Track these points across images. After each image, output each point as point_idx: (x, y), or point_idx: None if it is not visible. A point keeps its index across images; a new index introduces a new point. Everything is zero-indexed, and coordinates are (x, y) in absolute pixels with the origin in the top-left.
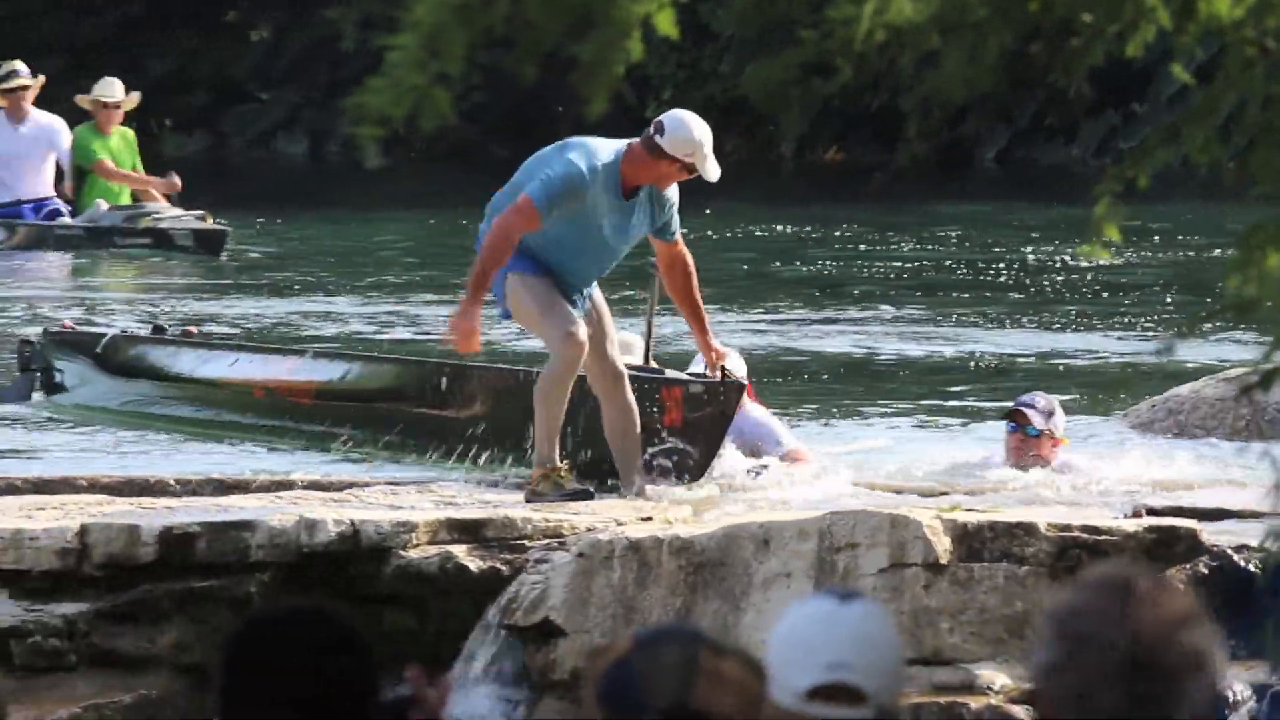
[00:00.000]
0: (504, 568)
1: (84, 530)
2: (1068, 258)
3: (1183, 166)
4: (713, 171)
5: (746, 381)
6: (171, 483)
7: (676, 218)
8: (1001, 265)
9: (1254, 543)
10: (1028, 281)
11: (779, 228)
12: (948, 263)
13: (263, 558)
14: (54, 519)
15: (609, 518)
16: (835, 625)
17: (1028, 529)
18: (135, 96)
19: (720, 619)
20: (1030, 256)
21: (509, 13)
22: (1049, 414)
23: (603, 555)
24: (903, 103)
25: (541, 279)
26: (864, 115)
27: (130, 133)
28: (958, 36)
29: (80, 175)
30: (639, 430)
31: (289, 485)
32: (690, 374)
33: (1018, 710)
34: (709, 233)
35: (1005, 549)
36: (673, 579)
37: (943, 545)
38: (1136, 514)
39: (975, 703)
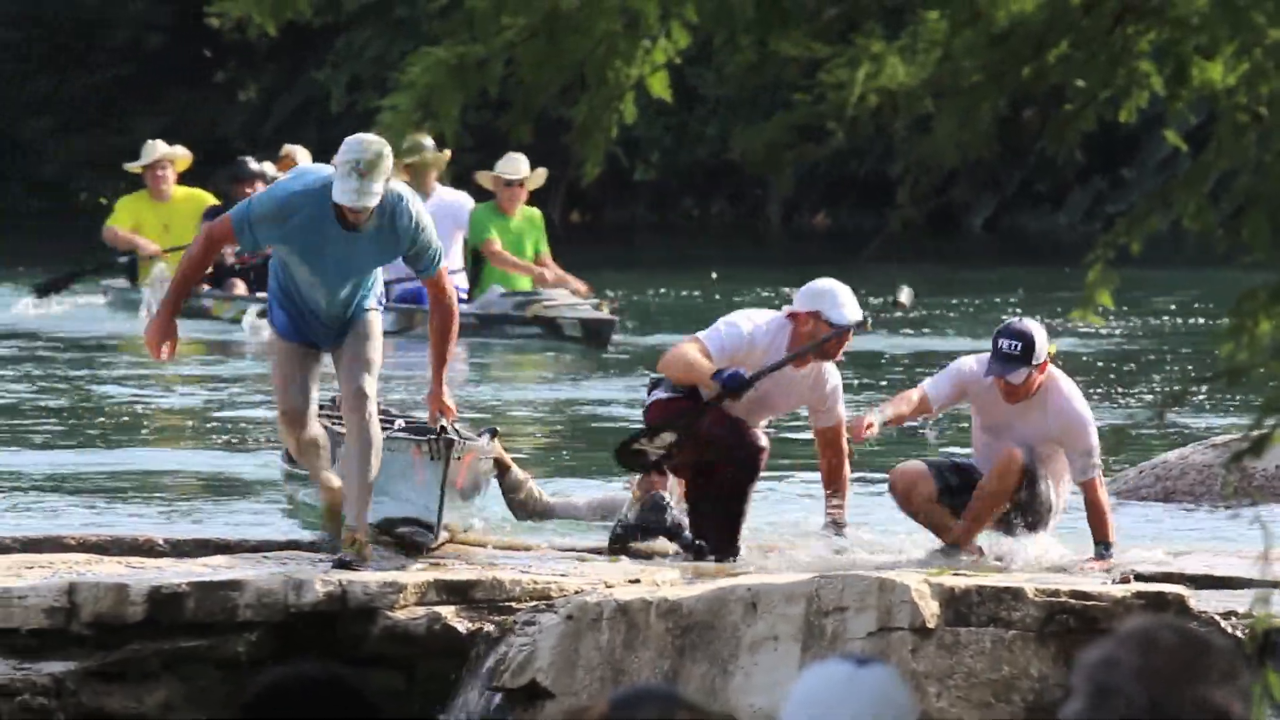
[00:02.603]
0: (492, 629)
1: (72, 589)
2: (1057, 323)
3: (1173, 232)
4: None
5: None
6: (160, 542)
7: (432, 249)
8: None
9: (1242, 609)
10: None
11: (764, 292)
12: (940, 326)
13: (250, 617)
14: (42, 577)
15: (597, 579)
16: (853, 689)
17: (1015, 594)
18: (541, 174)
19: (708, 681)
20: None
21: (503, 74)
22: (1030, 352)
23: (591, 617)
24: (892, 168)
25: (287, 344)
26: (851, 180)
27: (536, 214)
28: (951, 101)
29: (478, 257)
30: (371, 463)
31: (277, 546)
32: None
33: None
34: (700, 294)
35: (992, 613)
36: (661, 641)
37: (930, 609)
38: (1125, 580)
39: None
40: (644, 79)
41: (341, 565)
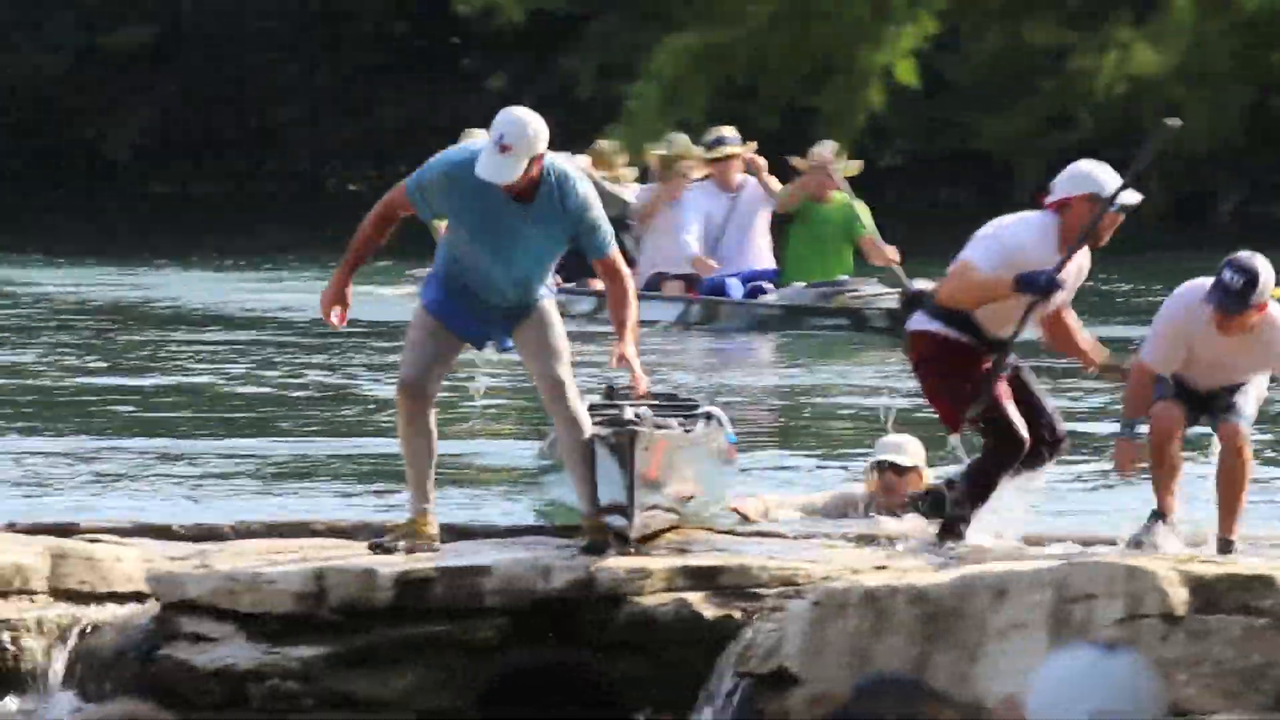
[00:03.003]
0: (739, 615)
1: (321, 574)
2: None
3: None
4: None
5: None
6: None
7: (601, 229)
8: None
9: None
10: None
11: None
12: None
13: (497, 603)
14: (291, 563)
15: (844, 566)
16: (1101, 675)
17: (1265, 581)
18: (856, 164)
19: (955, 668)
20: None
21: (750, 61)
22: (1251, 289)
23: (838, 603)
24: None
25: (429, 317)
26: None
27: (851, 199)
28: (1200, 88)
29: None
30: (586, 450)
31: (524, 531)
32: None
33: None
34: None
35: (1241, 601)
36: (908, 628)
37: (1179, 596)
38: None
39: None
40: (891, 66)
41: (588, 551)
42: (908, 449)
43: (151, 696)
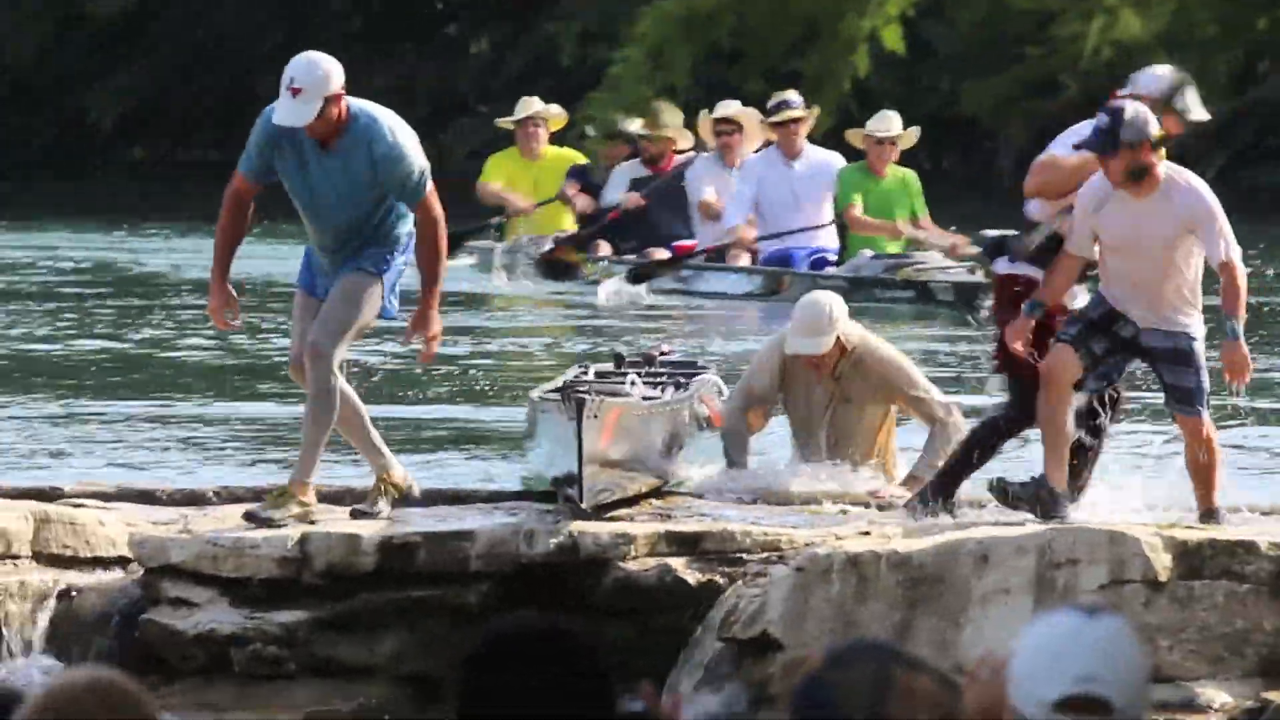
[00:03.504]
0: (722, 580)
1: (304, 539)
2: None
3: None
4: None
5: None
6: None
7: (412, 176)
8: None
9: None
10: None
11: None
12: None
13: (481, 568)
14: (274, 528)
15: (827, 531)
16: (1084, 638)
17: (1248, 547)
18: (914, 132)
19: (939, 634)
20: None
21: (735, 26)
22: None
23: (821, 569)
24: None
25: (299, 292)
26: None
27: (910, 174)
28: (1185, 54)
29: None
30: (319, 420)
31: (509, 496)
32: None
33: None
34: None
35: (1225, 567)
36: (891, 594)
37: (1162, 562)
38: None
39: None
40: (877, 31)
41: (250, 517)
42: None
43: (133, 661)
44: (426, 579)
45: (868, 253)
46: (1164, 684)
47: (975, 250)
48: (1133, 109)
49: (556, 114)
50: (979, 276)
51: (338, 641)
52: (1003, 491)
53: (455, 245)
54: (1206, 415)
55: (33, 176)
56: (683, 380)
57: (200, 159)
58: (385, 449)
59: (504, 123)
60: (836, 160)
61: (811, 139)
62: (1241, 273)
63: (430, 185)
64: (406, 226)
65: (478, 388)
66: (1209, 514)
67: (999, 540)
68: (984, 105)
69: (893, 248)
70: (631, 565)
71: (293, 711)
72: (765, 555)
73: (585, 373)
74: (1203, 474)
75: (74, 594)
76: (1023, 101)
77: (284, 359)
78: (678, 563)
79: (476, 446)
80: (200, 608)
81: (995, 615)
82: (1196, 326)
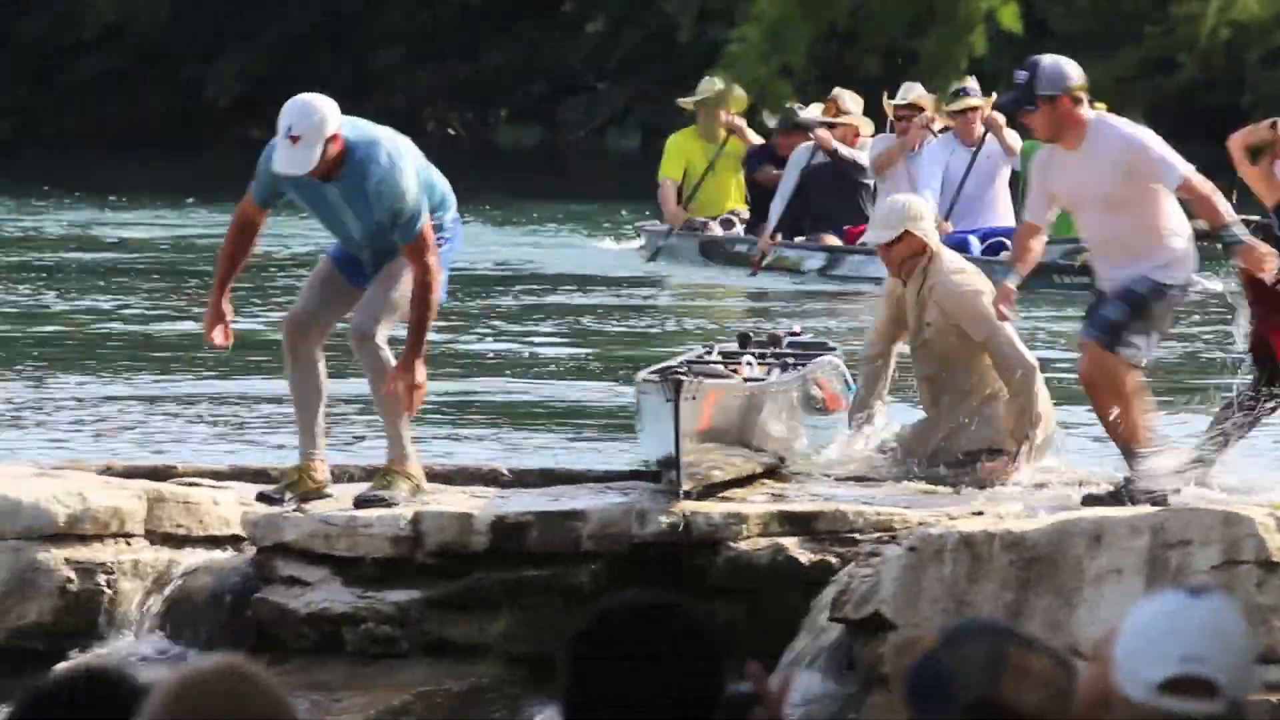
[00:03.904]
0: (835, 560)
1: (417, 518)
2: None
3: None
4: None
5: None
6: (504, 472)
7: (405, 214)
8: None
9: None
10: None
11: None
12: None
13: (593, 548)
14: (388, 509)
15: (940, 511)
16: (1189, 619)
17: None
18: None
19: (1051, 614)
20: None
21: (852, 6)
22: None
23: (934, 549)
24: (1244, 101)
25: (328, 262)
26: (1201, 113)
27: None
28: None
29: None
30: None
31: (621, 476)
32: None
33: None
34: None
35: None
36: (1004, 574)
37: (1276, 542)
38: None
39: None
40: (994, 11)
41: (363, 502)
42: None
43: (246, 640)
44: (538, 559)
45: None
46: (1276, 664)
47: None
48: (1050, 61)
49: (738, 95)
50: None
51: (449, 621)
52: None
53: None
54: (1110, 352)
55: (149, 152)
56: (802, 362)
57: None
58: (321, 442)
59: (685, 103)
60: (1016, 141)
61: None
62: (1201, 182)
63: (424, 227)
64: (450, 213)
65: (601, 367)
66: (1126, 454)
67: (1112, 520)
68: (1102, 85)
69: (1071, 231)
70: (744, 545)
71: (404, 691)
72: (878, 535)
73: (709, 352)
74: (1101, 418)
75: (187, 573)
76: (1141, 81)
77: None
78: (790, 542)
79: (591, 426)
80: (313, 587)
81: (1108, 595)
82: (1163, 271)
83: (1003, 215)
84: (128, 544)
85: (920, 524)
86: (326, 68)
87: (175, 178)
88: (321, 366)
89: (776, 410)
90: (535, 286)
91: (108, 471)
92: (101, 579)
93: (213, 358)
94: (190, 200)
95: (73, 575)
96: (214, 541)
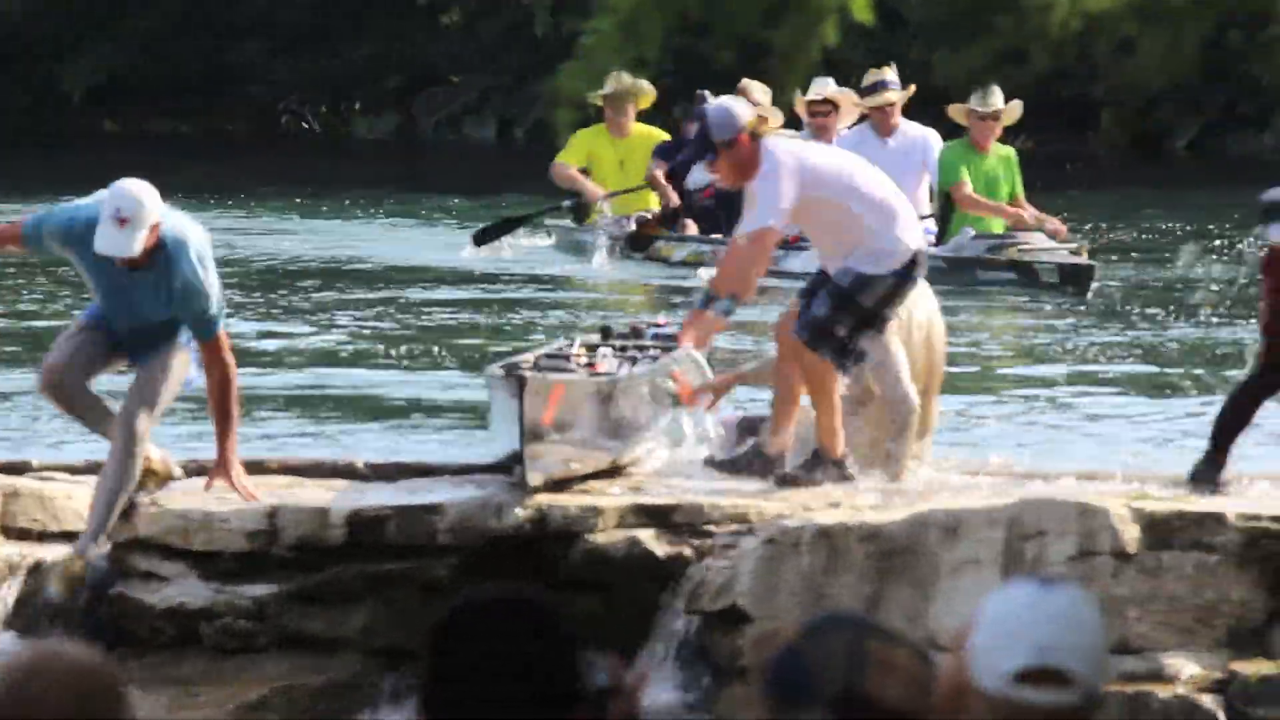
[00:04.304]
0: (691, 553)
1: (274, 512)
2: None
3: None
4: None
5: None
6: (360, 466)
7: (209, 311)
8: (1213, 255)
9: None
10: (1214, 270)
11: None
12: (1153, 251)
13: (451, 541)
14: (244, 501)
15: (797, 503)
16: (1043, 609)
17: (1217, 518)
18: (1017, 106)
19: (910, 606)
20: (1219, 241)
21: None
22: None
23: (791, 541)
24: (1096, 91)
25: (86, 319)
26: (1054, 105)
27: (1011, 153)
28: (1155, 24)
29: (948, 198)
30: (114, 487)
31: (478, 470)
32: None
33: (1206, 700)
34: None
35: (1194, 538)
36: (861, 566)
37: (1131, 534)
38: None
39: (1163, 692)
40: (846, 2)
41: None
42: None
43: (101, 636)
44: (396, 552)
45: (970, 231)
46: (1132, 655)
47: (1120, 232)
48: (715, 108)
49: (646, 90)
50: (1084, 259)
51: (308, 615)
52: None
53: (521, 225)
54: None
55: (4, 147)
56: (660, 355)
57: (172, 130)
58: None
59: (593, 98)
60: (933, 136)
61: (789, 113)
62: (741, 244)
63: (223, 329)
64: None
65: (459, 360)
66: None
67: (968, 512)
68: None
69: (995, 227)
70: (600, 538)
71: (263, 685)
72: (735, 527)
73: (570, 345)
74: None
75: (41, 568)
76: (994, 72)
77: (258, 329)
78: (646, 535)
79: (449, 420)
80: (170, 581)
81: (965, 587)
82: (842, 274)
83: (921, 210)
84: None
85: (777, 516)
86: (184, 60)
87: (27, 173)
88: (93, 395)
89: (628, 404)
90: (391, 279)
91: None
92: None
93: None
94: (44, 196)
95: None
96: (69, 536)
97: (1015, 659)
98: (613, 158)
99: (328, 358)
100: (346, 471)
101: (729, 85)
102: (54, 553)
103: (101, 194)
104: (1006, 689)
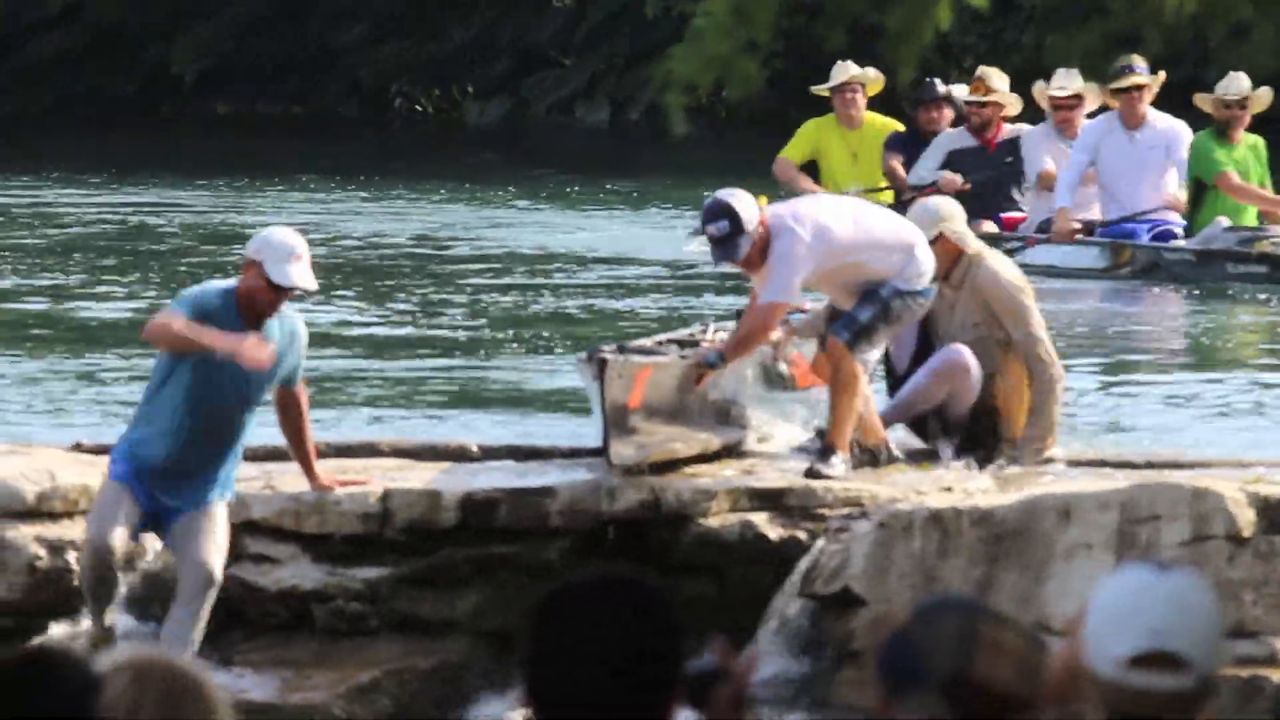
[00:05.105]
0: (804, 536)
1: (386, 495)
2: None
3: None
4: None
5: None
6: (473, 448)
7: (301, 363)
8: None
9: None
10: None
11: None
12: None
13: (562, 524)
14: (356, 485)
15: (909, 487)
16: (1156, 594)
17: None
18: (1265, 94)
19: (1021, 589)
20: None
21: None
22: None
23: (903, 525)
24: (1209, 76)
25: (114, 484)
26: (1167, 87)
27: (1260, 141)
28: (1272, 7)
29: (1199, 190)
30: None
31: (590, 453)
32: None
33: None
34: None
35: None
36: (973, 549)
37: (1245, 518)
38: None
39: (1277, 676)
40: None
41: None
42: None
43: (215, 617)
44: (507, 535)
45: (1224, 222)
46: (1247, 639)
47: None
48: (730, 198)
49: (874, 78)
50: None
51: (418, 598)
52: None
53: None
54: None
55: (115, 129)
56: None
57: (282, 113)
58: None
59: (819, 90)
60: (1182, 128)
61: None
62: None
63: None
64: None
65: (580, 345)
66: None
67: (1081, 496)
68: (1069, 58)
69: (1248, 220)
70: (713, 521)
71: (374, 667)
72: (848, 511)
73: (705, 330)
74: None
75: (156, 551)
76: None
77: (371, 315)
78: (759, 518)
79: (558, 402)
80: (282, 564)
81: (1078, 571)
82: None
83: (1162, 201)
84: None
85: (889, 500)
86: (289, 45)
87: (138, 154)
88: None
89: (729, 386)
90: (514, 264)
91: (77, 449)
92: (71, 557)
93: None
94: (159, 178)
95: (42, 553)
96: None
97: (1129, 643)
98: (844, 150)
99: (440, 341)
100: (458, 454)
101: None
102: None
103: (221, 283)
104: (1119, 674)
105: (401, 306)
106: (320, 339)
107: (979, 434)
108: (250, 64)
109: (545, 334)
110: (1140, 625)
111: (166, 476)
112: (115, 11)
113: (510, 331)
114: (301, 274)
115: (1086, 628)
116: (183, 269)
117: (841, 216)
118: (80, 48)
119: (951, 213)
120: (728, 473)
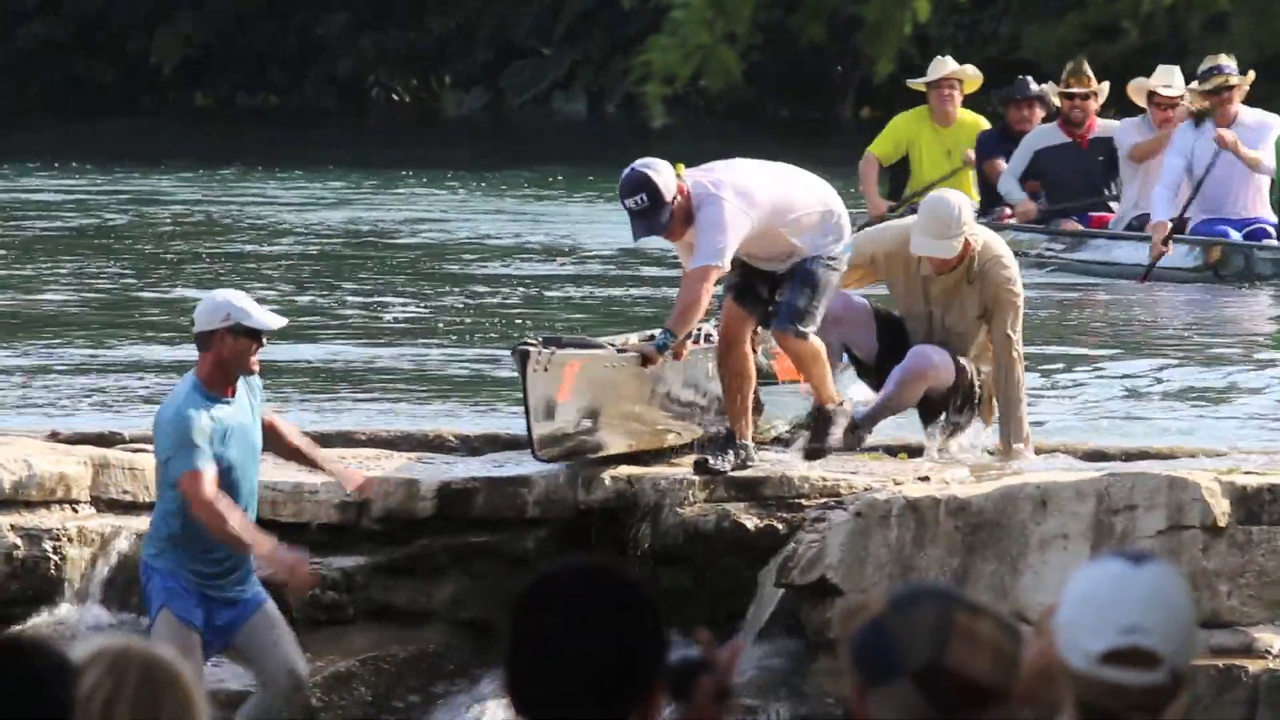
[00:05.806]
0: (781, 526)
1: (362, 484)
2: None
3: None
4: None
5: None
6: (450, 438)
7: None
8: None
9: None
10: None
11: None
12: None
13: (539, 514)
14: (332, 475)
15: (886, 476)
16: (1129, 588)
17: None
18: None
19: (997, 579)
20: None
21: None
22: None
23: (880, 514)
24: (1186, 66)
25: (179, 624)
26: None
27: None
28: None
29: None
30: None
31: None
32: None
33: None
34: None
35: None
36: (950, 539)
37: (1221, 508)
38: None
39: (1253, 666)
40: None
41: None
42: None
43: None
44: (484, 525)
45: None
46: (1222, 629)
47: None
48: (642, 168)
49: (972, 74)
50: None
51: (395, 587)
52: None
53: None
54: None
55: (96, 120)
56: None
57: (261, 104)
58: None
59: (916, 84)
60: (1274, 122)
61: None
62: (689, 281)
63: None
64: None
65: (498, 332)
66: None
67: (1057, 485)
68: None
69: None
70: (690, 511)
71: (351, 657)
72: (824, 501)
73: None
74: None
75: (133, 540)
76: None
77: (343, 301)
78: (736, 508)
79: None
80: None
81: (1054, 561)
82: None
83: (1259, 203)
84: (74, 510)
85: (866, 489)
86: (268, 37)
87: (118, 144)
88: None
89: (687, 380)
90: (490, 255)
91: (53, 438)
92: (48, 545)
93: (157, 324)
94: (141, 169)
95: (19, 541)
96: None
97: (1102, 640)
98: (938, 147)
99: (417, 330)
100: (435, 444)
101: (818, 61)
102: (145, 524)
103: (183, 388)
104: (1092, 668)
105: (378, 296)
106: (298, 329)
107: (961, 424)
108: (230, 55)
109: (522, 324)
110: (1114, 621)
111: (220, 576)
112: (95, 3)
113: (487, 321)
114: (271, 314)
115: (1060, 620)
116: (161, 258)
117: (763, 180)
118: (61, 39)
119: (970, 215)
120: None
